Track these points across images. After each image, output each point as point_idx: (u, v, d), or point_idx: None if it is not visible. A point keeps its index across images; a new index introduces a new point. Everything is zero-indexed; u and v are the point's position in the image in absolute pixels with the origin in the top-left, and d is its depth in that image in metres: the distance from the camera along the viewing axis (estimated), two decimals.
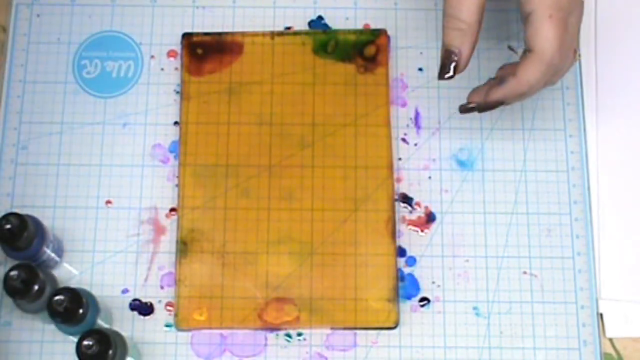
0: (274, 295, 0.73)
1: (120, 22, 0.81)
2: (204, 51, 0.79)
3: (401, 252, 0.75)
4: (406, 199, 0.76)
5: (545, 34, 0.67)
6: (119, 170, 0.77)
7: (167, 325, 0.73)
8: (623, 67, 0.80)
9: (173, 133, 0.78)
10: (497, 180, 0.77)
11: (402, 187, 0.77)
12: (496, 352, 0.73)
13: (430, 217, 0.76)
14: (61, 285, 0.71)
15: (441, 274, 0.74)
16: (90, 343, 0.63)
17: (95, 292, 0.71)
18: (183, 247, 0.74)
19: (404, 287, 0.74)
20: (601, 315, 0.74)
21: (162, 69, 0.80)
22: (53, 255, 0.72)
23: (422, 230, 0.76)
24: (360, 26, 0.81)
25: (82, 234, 0.75)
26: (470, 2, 0.67)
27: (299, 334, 0.73)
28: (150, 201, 0.76)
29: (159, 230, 0.75)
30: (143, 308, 0.73)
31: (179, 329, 0.73)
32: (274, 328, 0.73)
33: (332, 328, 0.73)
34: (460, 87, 0.79)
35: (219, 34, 0.80)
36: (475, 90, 0.73)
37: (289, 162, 0.77)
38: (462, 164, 0.77)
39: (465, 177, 0.77)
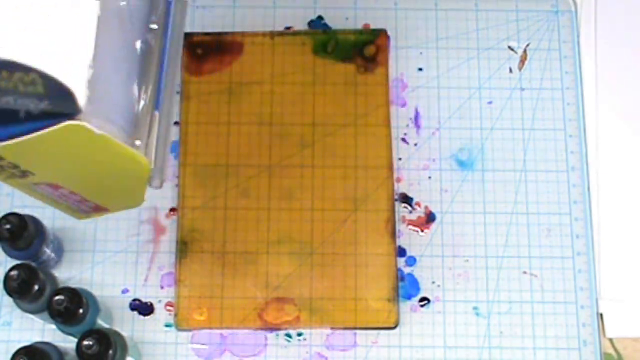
0: (274, 295, 0.73)
1: None
2: (203, 51, 0.79)
3: (401, 252, 0.75)
4: (406, 199, 0.76)
5: None
6: None
7: (167, 325, 0.73)
8: (623, 67, 0.80)
9: (173, 133, 0.78)
10: (497, 180, 0.77)
11: (402, 187, 0.77)
12: (496, 352, 0.73)
13: (430, 217, 0.76)
14: (61, 285, 0.71)
15: (441, 273, 0.74)
16: (90, 343, 0.63)
17: (95, 292, 0.71)
18: (183, 247, 0.74)
19: (404, 287, 0.74)
20: (601, 315, 0.74)
21: None
22: (53, 255, 0.72)
23: (422, 230, 0.76)
24: (360, 26, 0.81)
25: (82, 234, 0.75)
26: None
27: (299, 334, 0.73)
28: (150, 201, 0.76)
29: (159, 230, 0.75)
30: (143, 308, 0.73)
31: (179, 329, 0.73)
32: (274, 328, 0.73)
33: (332, 328, 0.73)
34: (461, 87, 0.79)
35: (219, 34, 0.80)
36: None
37: (289, 162, 0.77)
38: (462, 164, 0.77)
39: (465, 177, 0.77)
